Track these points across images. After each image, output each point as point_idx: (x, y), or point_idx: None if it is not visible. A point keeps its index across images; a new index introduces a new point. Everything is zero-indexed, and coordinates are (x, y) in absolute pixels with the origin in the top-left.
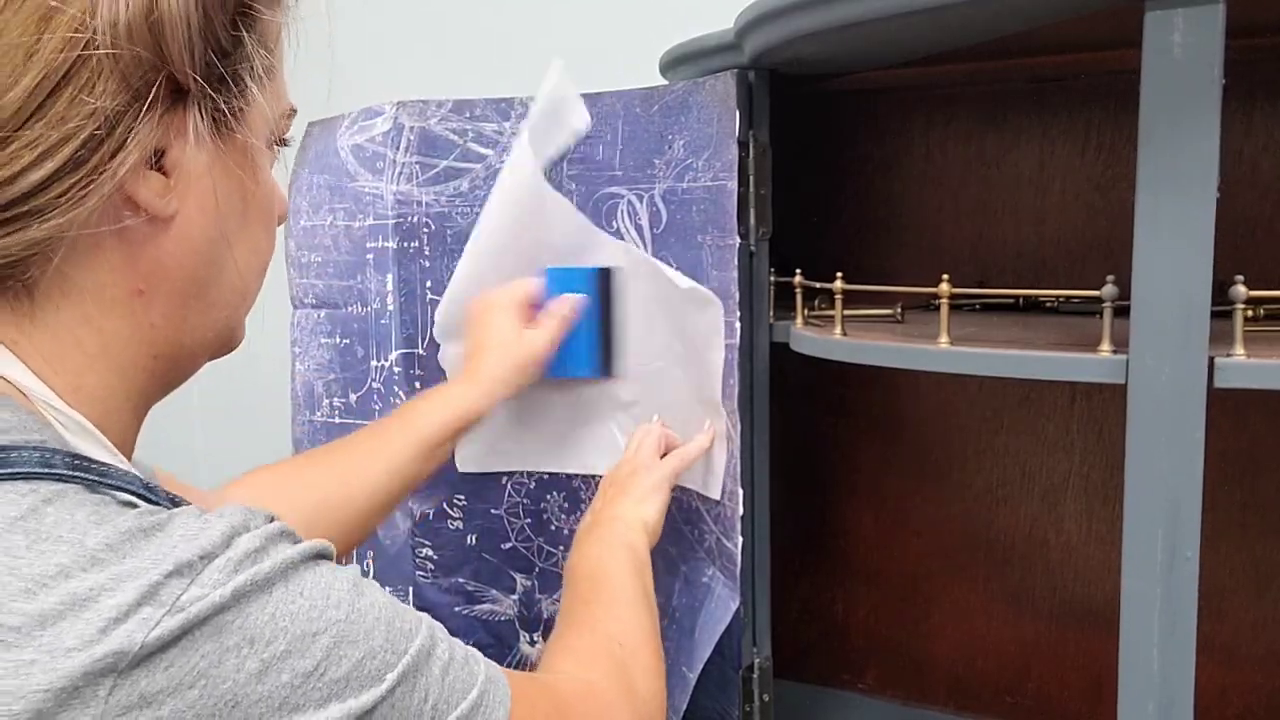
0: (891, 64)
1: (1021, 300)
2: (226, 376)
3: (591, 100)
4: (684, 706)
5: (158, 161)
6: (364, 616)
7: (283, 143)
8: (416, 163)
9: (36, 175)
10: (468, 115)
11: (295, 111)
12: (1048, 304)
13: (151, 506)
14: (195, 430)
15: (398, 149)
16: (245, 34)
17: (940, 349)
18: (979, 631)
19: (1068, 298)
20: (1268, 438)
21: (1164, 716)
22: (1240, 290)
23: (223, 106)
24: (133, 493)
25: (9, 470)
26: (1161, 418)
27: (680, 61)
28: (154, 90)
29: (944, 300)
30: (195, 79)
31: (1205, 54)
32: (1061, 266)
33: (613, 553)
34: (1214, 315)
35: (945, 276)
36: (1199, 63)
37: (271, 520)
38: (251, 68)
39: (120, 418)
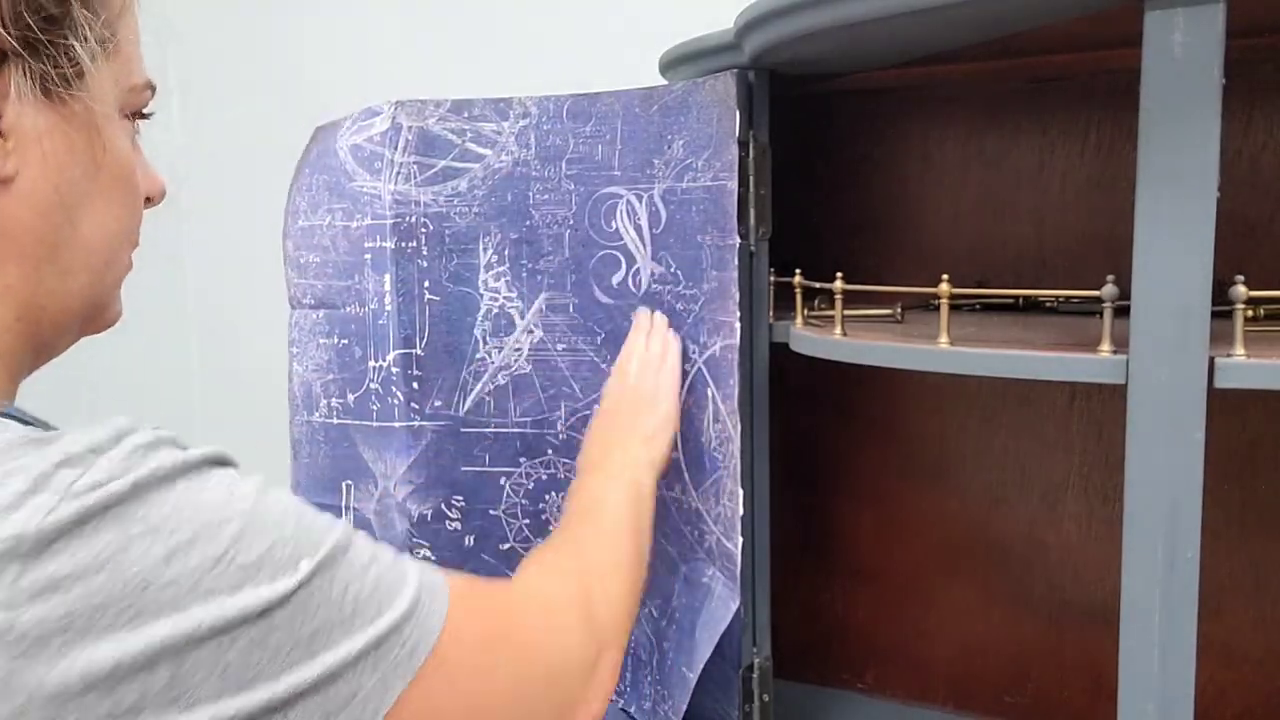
0: (891, 64)
1: (1021, 300)
2: (225, 377)
3: (591, 100)
4: (684, 706)
5: None
6: (271, 510)
7: (141, 116)
8: (414, 162)
9: None
10: (466, 115)
11: (152, 86)
12: (1048, 304)
13: (40, 429)
14: (194, 432)
15: (396, 149)
16: (72, 2)
17: (940, 349)
18: (978, 631)
19: (1068, 298)
20: (1268, 438)
21: (1164, 716)
22: (1240, 290)
23: (50, 71)
24: (15, 419)
25: None
26: (1161, 418)
27: (680, 61)
28: None
29: (944, 300)
30: (11, 40)
31: (1205, 54)
32: (1061, 266)
33: (616, 486)
34: (1214, 315)
35: (945, 276)
36: (1199, 63)
37: (159, 429)
38: (82, 35)
39: None
